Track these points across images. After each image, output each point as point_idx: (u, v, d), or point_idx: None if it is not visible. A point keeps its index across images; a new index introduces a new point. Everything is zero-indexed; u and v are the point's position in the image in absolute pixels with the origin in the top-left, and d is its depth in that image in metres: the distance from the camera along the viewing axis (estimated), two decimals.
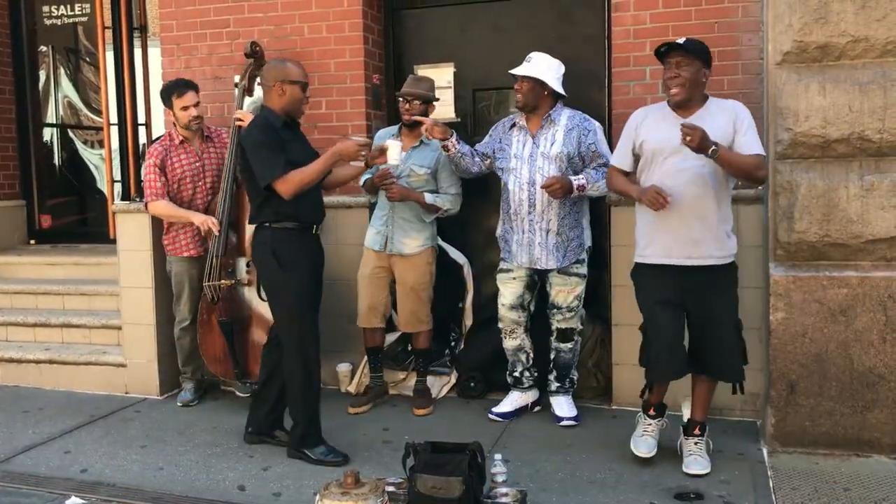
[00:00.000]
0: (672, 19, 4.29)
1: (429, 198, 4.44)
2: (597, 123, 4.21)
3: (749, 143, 3.51)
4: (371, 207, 4.81)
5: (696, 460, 3.61)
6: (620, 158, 3.77)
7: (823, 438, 3.82)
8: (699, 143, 3.31)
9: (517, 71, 4.11)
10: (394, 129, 4.58)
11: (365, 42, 4.86)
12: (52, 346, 5.33)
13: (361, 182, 4.50)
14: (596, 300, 4.66)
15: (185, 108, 4.61)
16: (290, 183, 3.64)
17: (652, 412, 3.77)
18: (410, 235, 4.49)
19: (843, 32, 3.72)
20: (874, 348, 3.74)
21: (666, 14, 4.30)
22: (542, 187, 4.03)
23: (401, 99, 4.45)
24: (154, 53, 6.00)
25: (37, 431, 4.34)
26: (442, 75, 5.02)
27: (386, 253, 4.51)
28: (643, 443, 3.69)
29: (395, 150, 3.88)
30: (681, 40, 3.54)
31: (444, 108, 5.04)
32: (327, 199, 4.87)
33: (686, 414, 3.91)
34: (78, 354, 5.14)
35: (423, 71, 5.06)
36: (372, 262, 4.55)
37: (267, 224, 3.79)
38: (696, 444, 3.67)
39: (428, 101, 4.45)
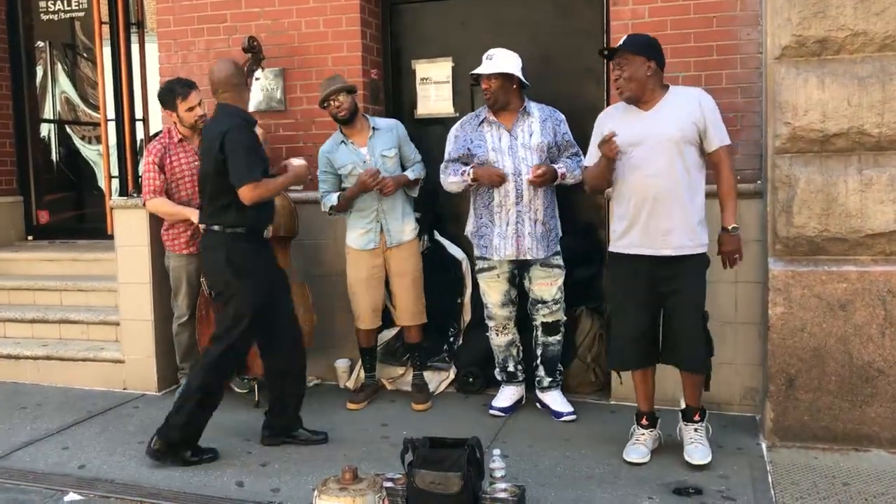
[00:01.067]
0: (670, 13, 4.27)
1: (411, 174, 4.52)
2: (562, 114, 4.28)
3: (719, 136, 3.59)
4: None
5: (696, 448, 3.62)
6: (591, 158, 3.80)
7: (822, 433, 3.82)
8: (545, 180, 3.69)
9: (484, 71, 4.13)
10: (335, 136, 4.51)
11: (363, 37, 4.85)
12: (50, 342, 5.32)
13: (334, 201, 4.42)
14: (594, 295, 4.66)
15: (190, 109, 4.58)
16: (261, 189, 3.67)
17: (644, 422, 3.78)
18: (405, 221, 4.51)
19: (841, 26, 3.71)
20: (873, 343, 3.74)
21: (664, 8, 4.28)
22: (535, 175, 4.05)
23: (327, 103, 4.38)
24: (151, 49, 5.99)
25: (35, 428, 4.33)
26: (440, 70, 5.02)
27: (381, 249, 4.49)
28: (635, 450, 3.71)
29: (298, 162, 3.92)
30: (621, 40, 3.61)
31: (443, 103, 5.05)
32: None
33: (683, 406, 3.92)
34: (76, 351, 5.14)
35: (421, 66, 5.06)
36: (367, 264, 4.51)
37: (219, 227, 3.77)
38: (695, 430, 3.68)
39: (350, 91, 4.42)
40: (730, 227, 3.60)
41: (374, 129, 4.47)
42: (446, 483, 3.14)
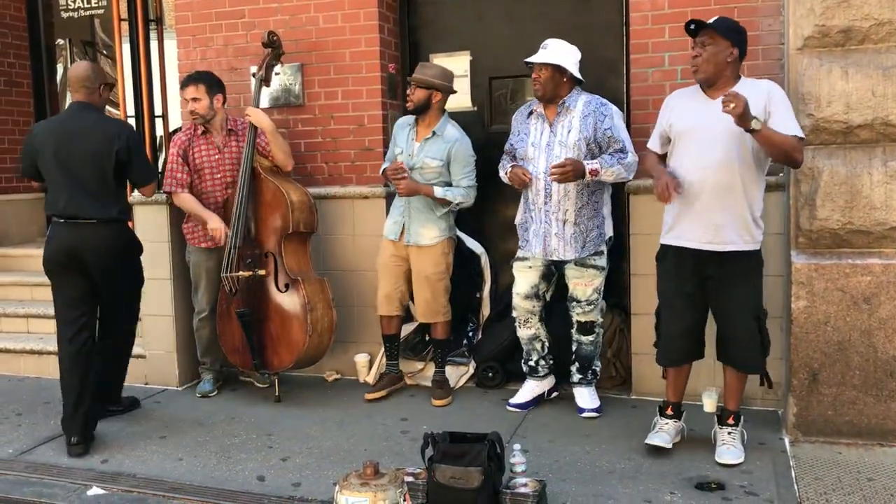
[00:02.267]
0: (690, 5, 4.22)
1: (439, 191, 4.37)
2: (614, 108, 4.11)
3: (785, 124, 3.38)
4: (388, 198, 4.79)
5: (728, 450, 3.58)
6: (652, 142, 3.78)
7: (846, 428, 3.78)
8: (742, 111, 3.18)
9: (534, 59, 4.04)
10: (412, 118, 4.54)
11: (380, 31, 4.84)
12: None
13: (381, 171, 4.50)
14: (615, 290, 4.63)
15: (185, 102, 4.67)
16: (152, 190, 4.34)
17: (669, 411, 3.75)
18: (426, 226, 4.47)
19: (866, 16, 3.66)
20: None
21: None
22: (552, 168, 3.91)
23: (409, 85, 4.44)
24: (170, 45, 6.00)
25: (58, 423, 4.33)
26: (458, 64, 4.99)
27: (402, 243, 4.49)
28: (657, 436, 3.68)
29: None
30: (712, 20, 3.49)
31: (461, 97, 5.00)
32: (344, 190, 4.93)
33: (707, 405, 3.89)
34: None
35: (438, 59, 5.04)
36: (389, 251, 4.55)
37: (118, 218, 4.12)
38: (729, 433, 3.64)
39: (430, 88, 4.37)
40: (758, 120, 3.26)
41: (434, 133, 4.42)
42: (467, 478, 3.13)
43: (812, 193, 3.77)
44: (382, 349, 4.82)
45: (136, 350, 5.04)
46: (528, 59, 4.07)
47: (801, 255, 3.82)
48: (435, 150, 4.41)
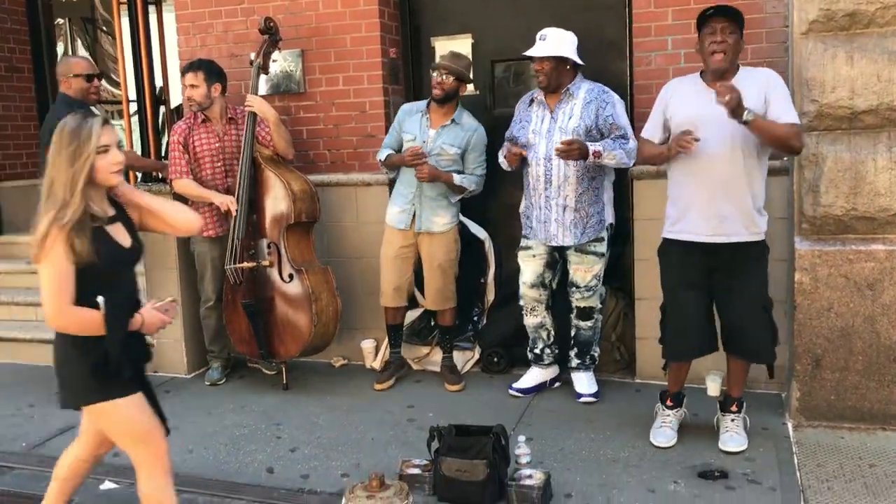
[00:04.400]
0: None
1: (456, 178, 4.39)
2: (616, 96, 4.11)
3: (783, 111, 3.39)
4: (390, 185, 4.78)
5: (732, 437, 3.61)
6: (651, 131, 3.71)
7: (849, 412, 3.81)
8: (735, 104, 3.21)
9: (536, 52, 4.01)
10: (422, 103, 4.51)
11: (381, 16, 4.79)
12: None
13: (383, 157, 4.48)
14: (619, 274, 4.64)
15: (185, 88, 4.68)
16: None
17: (669, 402, 3.77)
18: (439, 213, 4.47)
19: None
20: None
21: None
22: (560, 144, 3.88)
23: (435, 72, 4.36)
24: (171, 27, 5.97)
25: (69, 413, 4.39)
26: (460, 47, 4.94)
27: (412, 231, 4.49)
28: (661, 433, 3.70)
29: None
30: (726, 7, 3.45)
31: None
32: (346, 177, 4.92)
33: (710, 389, 3.92)
34: None
35: (440, 43, 5.00)
36: (397, 242, 4.53)
37: None
38: (732, 420, 3.67)
39: (463, 80, 4.38)
40: (750, 111, 3.27)
41: (453, 120, 4.41)
42: (472, 471, 3.19)
43: (816, 179, 3.76)
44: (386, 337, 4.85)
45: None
46: (530, 53, 4.03)
47: (804, 241, 3.82)
48: (453, 138, 4.40)
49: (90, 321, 2.49)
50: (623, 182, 4.47)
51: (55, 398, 4.55)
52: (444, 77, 4.31)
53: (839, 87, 3.68)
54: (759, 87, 3.41)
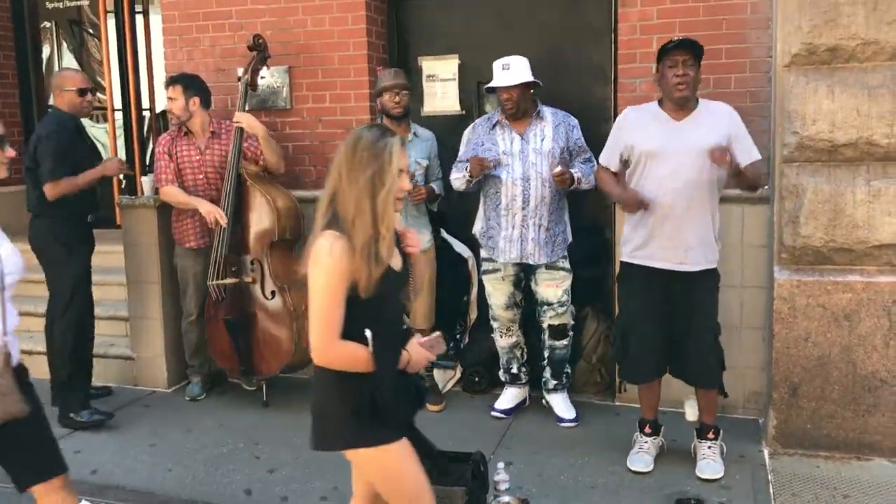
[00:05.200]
0: (680, 15, 4.22)
1: (436, 187, 4.52)
2: (575, 119, 4.25)
3: (748, 149, 3.54)
4: None
5: (708, 464, 3.65)
6: (608, 159, 3.75)
7: (825, 441, 3.85)
8: (734, 165, 3.37)
9: (507, 82, 4.04)
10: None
11: (368, 35, 4.81)
12: (36, 334, 5.34)
13: None
14: (600, 295, 4.67)
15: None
16: (59, 188, 4.29)
17: (648, 430, 3.81)
18: (422, 231, 4.50)
19: (853, 35, 3.66)
20: (877, 353, 3.75)
21: (673, 9, 4.23)
22: (555, 175, 4.00)
23: (387, 93, 4.34)
24: (158, 36, 5.96)
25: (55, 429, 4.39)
26: (446, 67, 4.98)
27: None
28: (639, 459, 3.74)
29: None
30: (679, 37, 3.56)
31: (448, 101, 5.01)
32: None
33: (688, 414, 3.94)
34: None
35: (427, 62, 5.03)
36: None
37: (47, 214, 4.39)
38: (709, 447, 3.71)
39: (409, 92, 4.43)
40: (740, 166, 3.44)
41: (414, 134, 4.44)
42: (451, 498, 3.17)
43: (796, 210, 3.80)
44: None
45: (125, 352, 5.11)
46: (501, 84, 4.06)
47: (783, 270, 3.87)
48: (420, 150, 4.45)
49: (358, 357, 2.24)
50: (605, 204, 4.51)
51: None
52: (399, 96, 4.33)
53: (820, 120, 3.73)
54: (723, 124, 3.53)
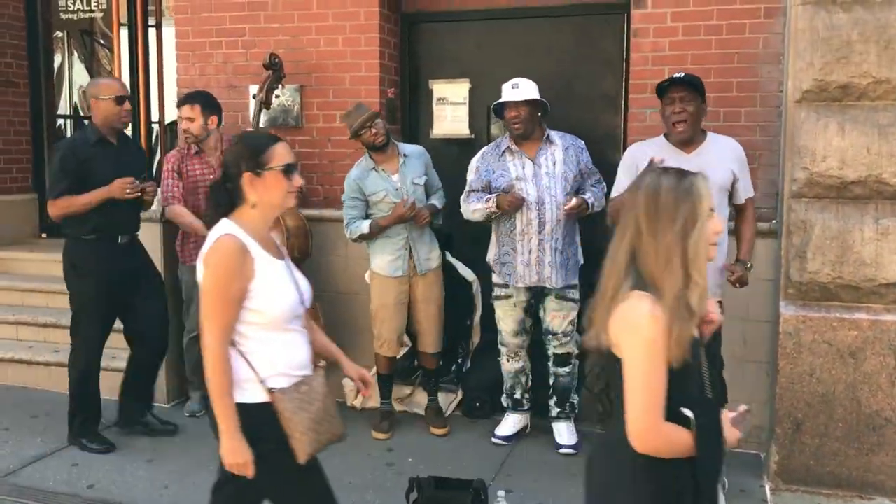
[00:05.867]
0: (691, 48, 4.24)
1: (437, 202, 4.55)
2: (582, 141, 4.28)
3: (746, 188, 3.74)
4: None
5: None
6: (620, 190, 3.75)
7: (827, 478, 3.82)
8: (745, 279, 3.56)
9: (516, 97, 4.07)
10: (364, 162, 4.44)
11: (381, 57, 4.83)
12: (62, 348, 5.33)
13: (365, 229, 4.36)
14: None
15: (181, 119, 4.69)
16: (56, 207, 4.12)
17: None
18: (432, 250, 4.53)
19: (864, 73, 3.67)
20: (882, 391, 3.73)
21: (685, 42, 4.25)
22: (570, 208, 4.04)
23: (364, 130, 4.32)
24: (170, 50, 6.00)
25: (45, 440, 4.38)
26: (457, 91, 5.00)
27: (408, 276, 4.48)
28: None
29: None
30: (679, 75, 3.56)
31: (459, 125, 5.03)
32: (339, 213, 4.89)
33: None
34: None
35: (438, 86, 5.05)
36: (395, 290, 4.48)
37: (71, 235, 4.22)
38: None
39: (379, 116, 4.43)
40: (747, 263, 3.66)
41: (404, 155, 4.44)
42: None
43: (803, 245, 3.80)
44: (373, 372, 4.82)
45: (124, 365, 5.05)
46: (510, 98, 4.07)
47: (789, 305, 3.86)
48: (414, 169, 4.46)
49: (682, 442, 1.92)
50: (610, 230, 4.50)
51: (32, 423, 4.57)
52: (377, 126, 4.33)
53: (830, 157, 3.74)
54: (729, 160, 3.64)
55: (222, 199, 2.40)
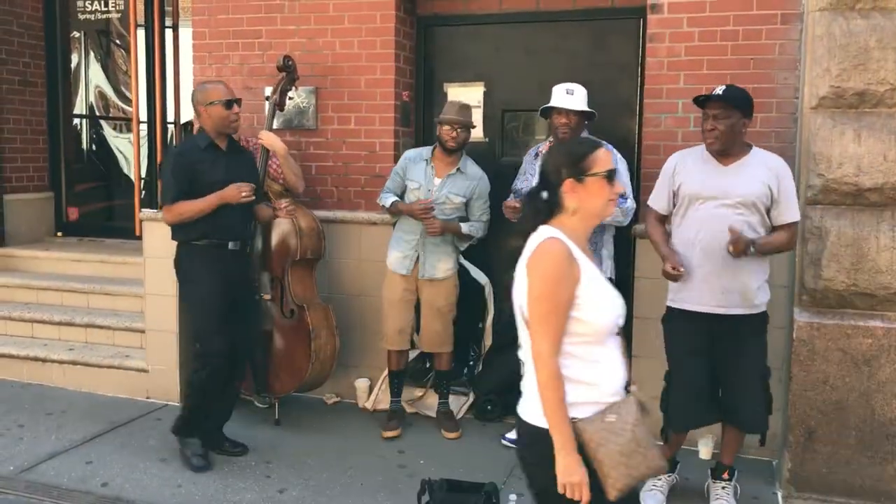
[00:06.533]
0: (707, 53, 4.23)
1: (464, 227, 4.44)
2: (619, 155, 4.14)
3: (789, 211, 3.49)
4: (394, 225, 4.80)
5: None
6: (658, 201, 3.74)
7: (839, 486, 3.81)
8: (743, 250, 3.35)
9: (572, 105, 4.02)
10: (425, 150, 4.54)
11: (396, 59, 4.85)
12: (77, 346, 5.40)
13: (388, 204, 4.48)
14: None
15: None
16: (171, 213, 4.03)
17: None
18: (441, 260, 4.50)
19: (882, 80, 3.66)
20: None
21: (701, 47, 4.24)
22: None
23: (447, 126, 4.35)
24: (186, 51, 6.04)
25: (59, 437, 4.41)
26: (472, 94, 5.00)
27: (413, 277, 4.51)
28: (651, 497, 3.70)
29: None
30: (720, 90, 3.49)
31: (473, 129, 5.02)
32: (352, 215, 4.94)
33: (702, 452, 3.93)
34: (101, 357, 5.21)
35: (452, 89, 5.06)
36: (400, 286, 4.52)
37: (181, 240, 4.13)
38: (723, 488, 3.68)
39: (469, 129, 4.43)
40: (755, 242, 3.40)
41: (458, 170, 4.45)
42: None
43: (818, 253, 3.78)
44: (385, 374, 4.84)
45: (138, 364, 5.12)
46: (566, 106, 4.02)
47: (803, 312, 3.84)
48: (459, 187, 4.44)
49: None
50: (625, 236, 4.50)
51: (47, 420, 4.60)
52: (457, 131, 4.35)
53: (846, 164, 3.73)
54: (768, 177, 3.46)
55: (541, 206, 2.31)
